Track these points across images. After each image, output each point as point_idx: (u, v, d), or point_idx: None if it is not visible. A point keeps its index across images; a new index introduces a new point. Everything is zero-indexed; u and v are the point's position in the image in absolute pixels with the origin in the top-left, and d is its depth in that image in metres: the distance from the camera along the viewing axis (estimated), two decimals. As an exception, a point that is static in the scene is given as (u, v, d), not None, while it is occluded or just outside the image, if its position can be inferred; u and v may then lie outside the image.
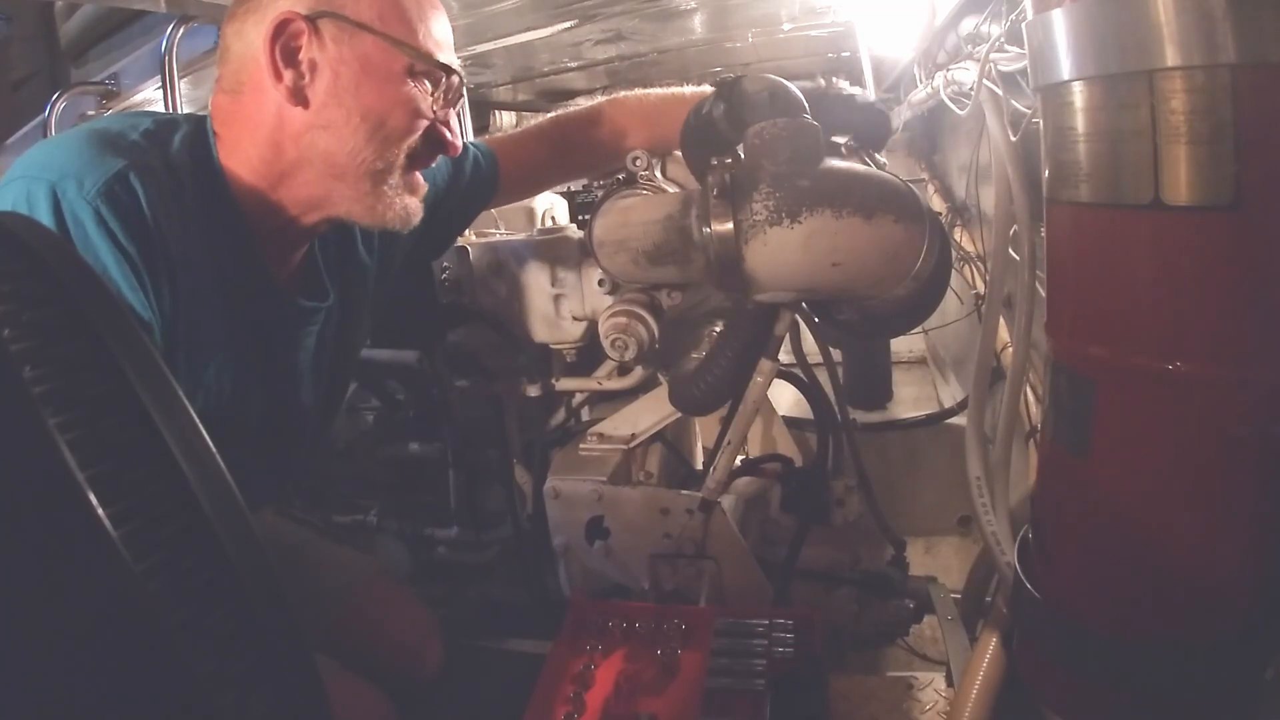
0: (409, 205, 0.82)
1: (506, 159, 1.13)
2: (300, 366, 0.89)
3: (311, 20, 0.73)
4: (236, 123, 0.77)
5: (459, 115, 0.88)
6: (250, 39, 0.74)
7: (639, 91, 1.14)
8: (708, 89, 1.03)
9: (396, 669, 1.04)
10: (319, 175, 0.78)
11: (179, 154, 0.74)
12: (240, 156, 0.77)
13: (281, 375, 0.87)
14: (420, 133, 0.80)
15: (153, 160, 0.71)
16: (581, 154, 1.14)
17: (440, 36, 0.80)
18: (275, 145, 0.76)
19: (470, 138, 1.32)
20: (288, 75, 0.73)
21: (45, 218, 0.64)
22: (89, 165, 0.66)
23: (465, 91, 0.86)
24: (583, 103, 1.16)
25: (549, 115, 1.18)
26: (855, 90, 1.04)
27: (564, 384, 1.30)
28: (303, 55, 0.74)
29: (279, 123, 0.75)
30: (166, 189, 0.70)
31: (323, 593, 1.07)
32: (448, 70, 0.80)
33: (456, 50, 0.84)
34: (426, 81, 0.79)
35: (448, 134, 0.82)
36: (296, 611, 0.43)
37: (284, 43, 0.73)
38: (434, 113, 0.80)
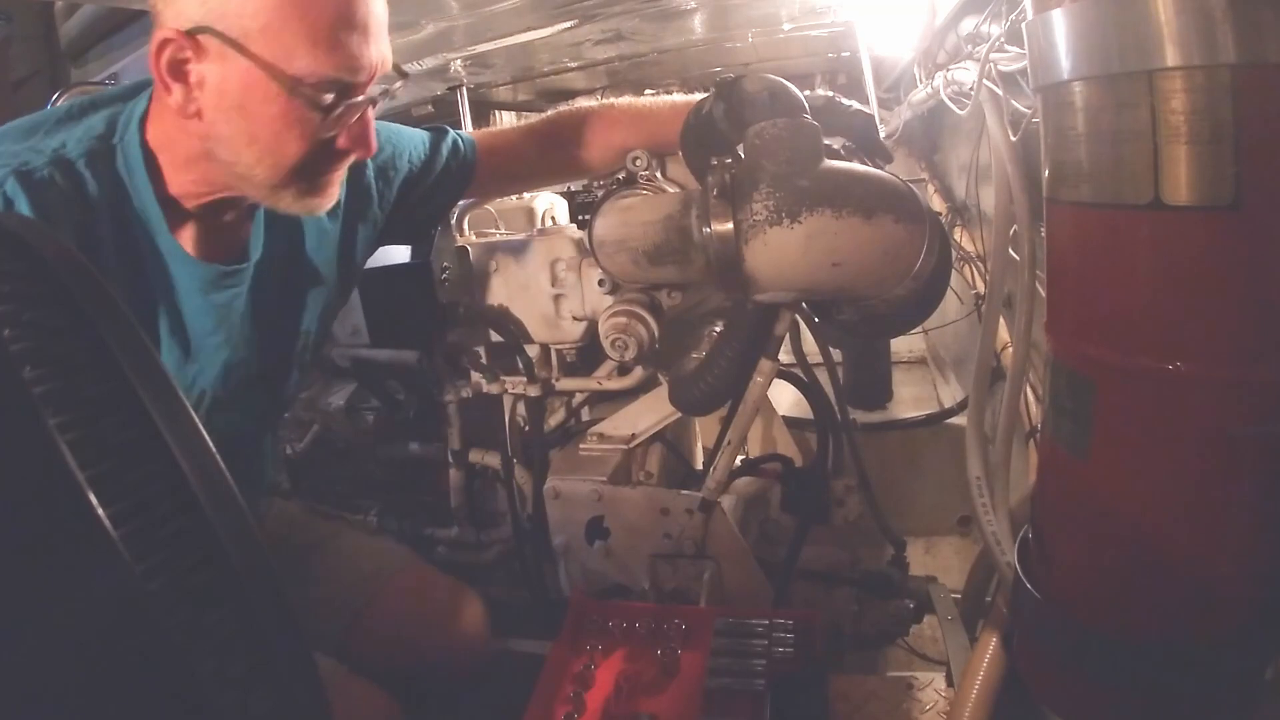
0: (311, 204, 0.80)
1: (488, 149, 1.12)
2: (235, 328, 0.88)
3: (191, 36, 0.70)
4: (162, 104, 0.76)
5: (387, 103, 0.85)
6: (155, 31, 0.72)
7: (629, 98, 1.14)
8: (698, 97, 1.03)
9: (442, 653, 1.04)
10: (223, 171, 0.77)
11: (80, 145, 0.74)
12: (162, 133, 0.77)
13: (199, 343, 0.86)
14: (317, 149, 0.76)
15: (35, 160, 0.72)
16: (567, 153, 1.13)
17: (348, 45, 0.72)
18: (186, 135, 0.76)
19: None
20: (176, 90, 0.72)
21: None
22: None
23: (464, 93, 0.84)
24: (581, 103, 1.16)
25: (542, 115, 1.18)
26: (851, 102, 1.03)
27: (564, 384, 1.31)
28: (191, 70, 0.71)
29: (182, 124, 0.75)
30: (54, 188, 0.71)
31: (357, 579, 1.07)
32: (344, 86, 0.74)
33: (457, 50, 0.83)
34: (326, 95, 0.73)
35: (351, 145, 0.78)
36: (296, 611, 0.43)
37: (168, 60, 0.71)
38: (334, 127, 0.76)
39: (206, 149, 0.76)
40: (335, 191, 0.82)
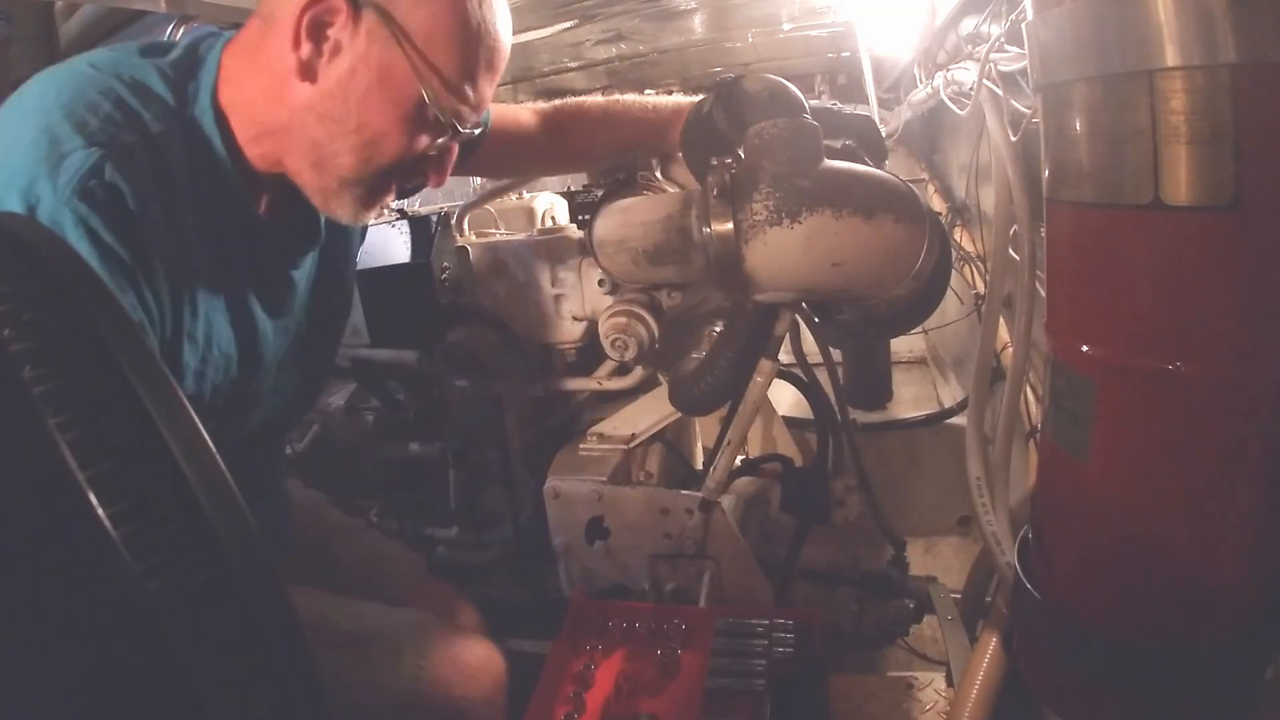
0: (360, 215, 0.78)
1: (499, 121, 1.09)
2: (302, 303, 0.87)
3: (355, 2, 0.67)
4: (255, 58, 0.72)
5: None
6: None
7: (633, 95, 1.14)
8: (698, 97, 1.03)
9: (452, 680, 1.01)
10: (299, 149, 0.73)
11: (154, 122, 0.69)
12: (242, 97, 0.72)
13: (286, 320, 0.85)
14: (407, 163, 0.75)
15: (127, 137, 0.66)
16: (572, 142, 1.12)
17: (481, 82, 0.74)
18: (276, 100, 0.71)
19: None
20: (305, 48, 0.68)
21: None
22: (60, 161, 0.62)
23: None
24: (586, 99, 1.15)
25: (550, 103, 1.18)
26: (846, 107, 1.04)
27: (564, 384, 1.31)
28: (331, 33, 0.68)
29: (285, 81, 0.70)
30: (147, 169, 0.66)
31: (385, 577, 1.08)
32: (456, 119, 0.74)
33: None
34: (438, 119, 0.73)
35: (433, 171, 0.78)
36: (296, 611, 0.43)
37: (314, 16, 0.67)
38: (432, 151, 0.76)
39: (291, 122, 0.72)
40: (380, 212, 0.82)
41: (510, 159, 1.17)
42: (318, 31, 0.68)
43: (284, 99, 0.71)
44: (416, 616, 0.94)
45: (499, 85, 0.80)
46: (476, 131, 0.79)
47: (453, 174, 1.19)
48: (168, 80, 0.72)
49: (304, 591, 0.94)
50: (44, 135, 0.63)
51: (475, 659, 0.93)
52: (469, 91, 0.73)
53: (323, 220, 0.86)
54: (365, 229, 1.01)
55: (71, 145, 0.63)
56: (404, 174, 0.78)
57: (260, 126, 0.73)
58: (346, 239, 0.96)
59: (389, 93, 0.70)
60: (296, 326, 0.87)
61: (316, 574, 1.04)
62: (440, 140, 0.75)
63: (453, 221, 1.33)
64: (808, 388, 1.13)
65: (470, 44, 0.71)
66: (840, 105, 1.06)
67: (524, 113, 1.13)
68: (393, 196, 0.80)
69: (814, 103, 1.00)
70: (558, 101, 1.15)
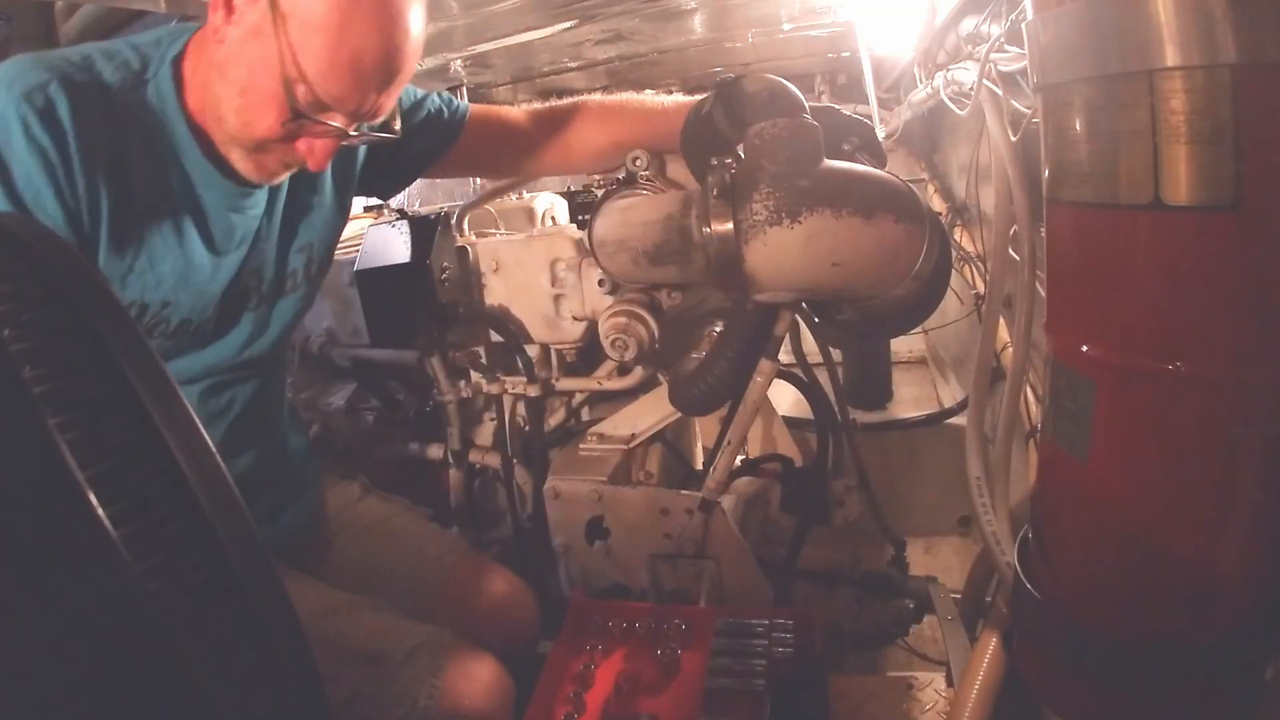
0: (256, 175, 0.84)
1: (481, 116, 1.12)
2: (238, 246, 0.91)
3: None
4: (206, 33, 0.79)
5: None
6: None
7: (631, 94, 1.14)
8: (698, 97, 1.03)
9: (497, 633, 1.05)
10: (210, 102, 0.80)
11: (118, 74, 0.78)
12: (194, 66, 0.81)
13: (225, 258, 0.90)
14: (284, 140, 0.80)
15: (80, 77, 0.75)
16: (567, 140, 1.13)
17: (359, 92, 0.77)
18: (205, 59, 0.79)
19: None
20: (219, 13, 0.75)
21: None
22: (17, 77, 0.72)
23: (464, 93, 0.86)
24: (583, 99, 1.15)
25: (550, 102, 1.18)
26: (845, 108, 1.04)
27: (564, 384, 1.31)
28: (236, 1, 0.74)
29: (207, 42, 0.78)
30: (91, 101, 0.74)
31: (424, 564, 1.10)
32: (325, 110, 0.78)
33: (457, 50, 0.84)
34: (309, 106, 0.76)
35: (304, 153, 0.82)
36: (295, 611, 0.43)
37: None
38: (301, 132, 0.80)
39: (208, 77, 0.79)
40: (275, 179, 0.87)
41: (507, 158, 1.18)
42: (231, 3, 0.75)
43: (208, 58, 0.79)
44: (431, 634, 0.94)
45: (499, 85, 0.81)
46: (350, 132, 0.81)
47: (450, 175, 1.20)
48: (137, 50, 0.81)
49: (323, 600, 0.95)
50: (18, 62, 0.74)
51: (487, 678, 0.93)
52: (339, 92, 0.76)
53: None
54: (346, 199, 1.05)
55: (34, 69, 0.73)
56: (289, 153, 0.82)
57: (201, 82, 0.81)
58: (314, 197, 0.99)
59: (262, 71, 0.75)
60: (241, 265, 0.92)
61: (355, 567, 1.08)
62: (308, 127, 0.79)
63: (453, 221, 1.33)
64: (808, 388, 1.13)
65: (344, 38, 0.73)
66: (839, 107, 1.05)
67: (521, 112, 1.14)
68: (284, 171, 0.86)
69: (814, 106, 1.01)
70: (555, 101, 1.15)
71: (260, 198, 0.91)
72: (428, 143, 1.09)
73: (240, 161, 0.83)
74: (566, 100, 1.15)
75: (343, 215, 1.07)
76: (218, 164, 0.85)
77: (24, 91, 0.71)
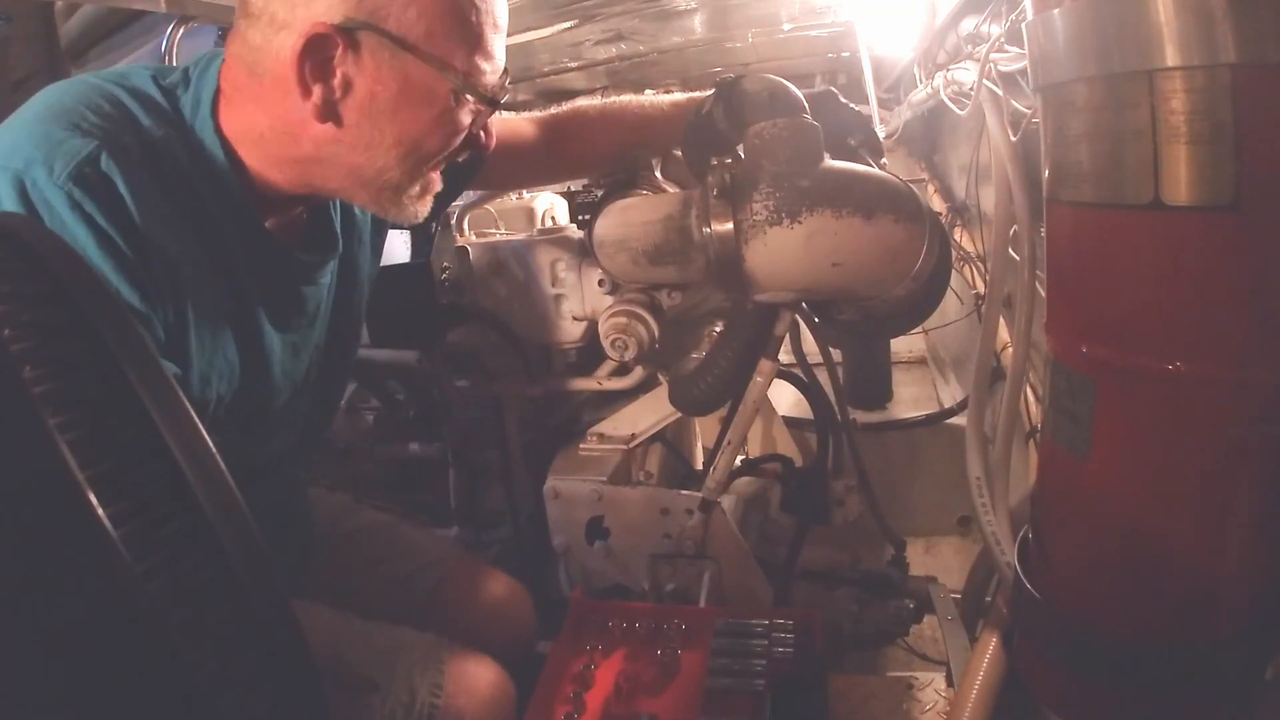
0: (419, 210, 0.79)
1: (499, 138, 1.10)
2: (312, 323, 0.86)
3: (348, 32, 0.65)
4: (251, 100, 0.70)
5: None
6: (277, 30, 0.65)
7: (631, 96, 1.14)
8: (698, 97, 1.03)
9: (495, 636, 1.05)
10: (337, 175, 0.74)
11: (154, 128, 0.68)
12: (246, 127, 0.72)
13: (297, 337, 0.84)
14: (449, 137, 0.75)
15: (125, 138, 0.66)
16: (572, 148, 1.12)
17: (495, 49, 0.73)
18: (292, 138, 0.71)
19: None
20: (317, 91, 0.67)
21: (11, 209, 0.60)
22: (56, 148, 0.62)
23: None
24: (582, 103, 1.15)
25: (546, 110, 1.18)
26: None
27: (564, 384, 1.31)
28: (337, 69, 0.66)
29: (301, 124, 0.69)
30: (144, 168, 0.65)
31: (417, 570, 1.09)
32: (493, 95, 0.74)
33: None
34: (471, 97, 0.72)
35: (483, 138, 0.79)
36: (295, 611, 0.43)
37: (314, 60, 0.66)
38: (472, 129, 0.76)
39: (319, 154, 0.71)
40: (427, 209, 0.81)
41: (514, 172, 1.18)
42: (323, 73, 0.67)
43: (305, 137, 0.70)
44: (429, 642, 0.93)
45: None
46: (506, 83, 0.77)
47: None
48: (167, 94, 0.72)
49: (320, 621, 0.93)
50: (40, 126, 0.64)
51: (489, 681, 0.93)
52: (484, 64, 0.72)
53: (339, 231, 0.87)
54: (381, 240, 1.00)
55: (68, 136, 0.63)
56: (452, 155, 0.78)
57: (279, 159, 0.73)
58: (360, 249, 0.95)
59: (416, 99, 0.70)
60: (312, 344, 0.87)
61: (349, 577, 1.05)
62: (480, 113, 0.75)
63: (453, 221, 1.33)
64: (808, 388, 1.13)
65: (468, 21, 0.70)
66: (836, 91, 1.04)
67: (523, 124, 1.13)
68: (437, 183, 0.80)
69: (814, 91, 1.00)
70: (554, 109, 1.14)
71: (329, 270, 0.86)
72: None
73: (409, 206, 0.76)
74: (566, 107, 1.14)
75: (371, 283, 1.02)
76: (283, 228, 0.79)
77: (72, 171, 0.61)
